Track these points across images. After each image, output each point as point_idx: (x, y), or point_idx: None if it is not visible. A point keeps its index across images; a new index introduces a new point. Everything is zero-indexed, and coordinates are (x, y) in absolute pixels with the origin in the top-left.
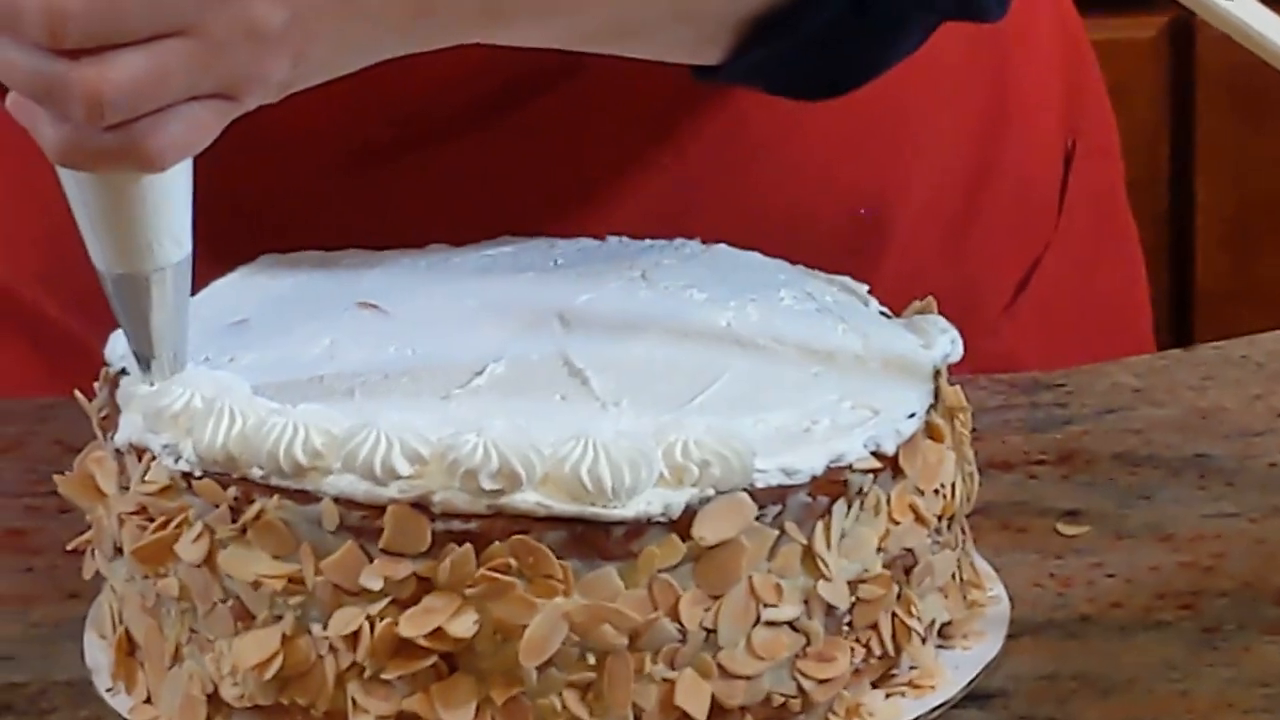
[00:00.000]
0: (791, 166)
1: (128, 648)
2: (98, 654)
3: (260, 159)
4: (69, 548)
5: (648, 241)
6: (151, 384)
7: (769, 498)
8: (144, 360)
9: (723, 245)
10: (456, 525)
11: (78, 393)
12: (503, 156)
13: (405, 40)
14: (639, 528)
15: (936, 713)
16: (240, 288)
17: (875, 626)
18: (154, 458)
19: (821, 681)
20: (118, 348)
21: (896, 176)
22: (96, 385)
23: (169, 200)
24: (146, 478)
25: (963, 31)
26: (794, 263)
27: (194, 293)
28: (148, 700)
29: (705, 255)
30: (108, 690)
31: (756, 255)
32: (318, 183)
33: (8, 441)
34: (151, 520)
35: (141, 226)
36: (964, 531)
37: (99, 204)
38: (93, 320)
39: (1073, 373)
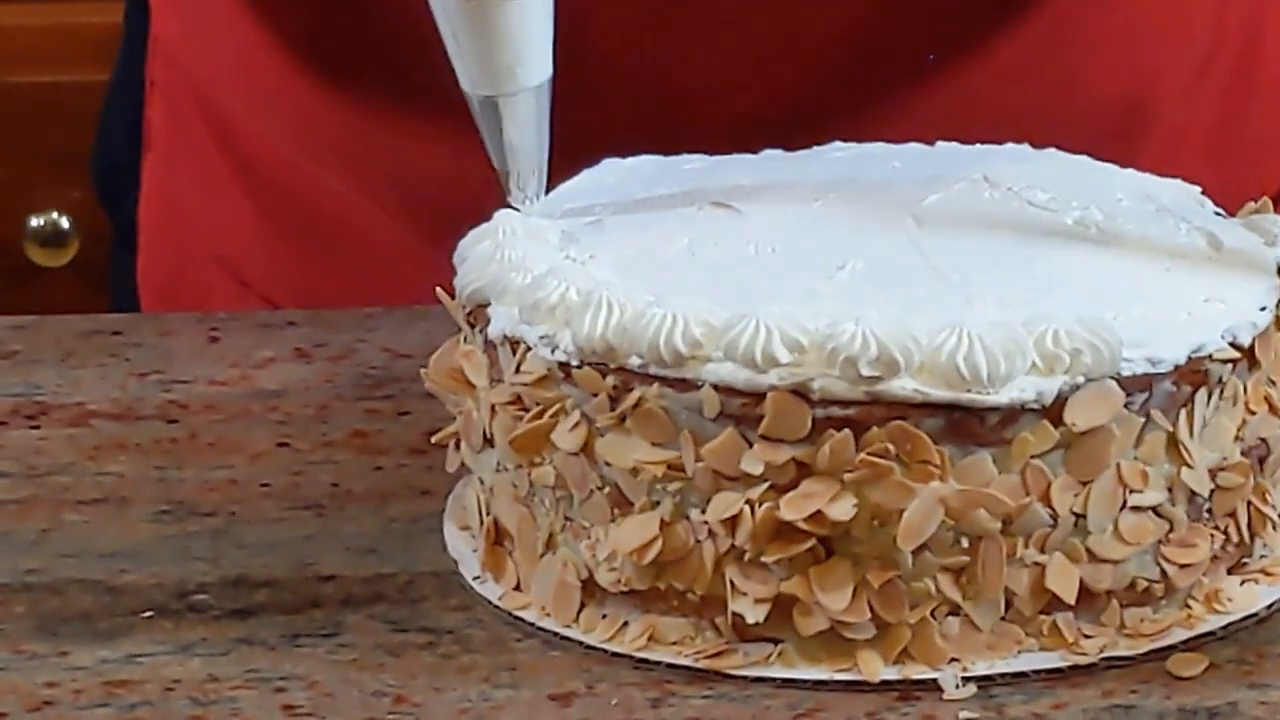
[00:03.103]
0: (1068, 57)
1: (495, 537)
2: (460, 545)
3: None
4: (434, 440)
5: (978, 146)
6: (511, 201)
7: (1135, 386)
8: (506, 177)
9: (1052, 149)
10: (835, 411)
11: (439, 290)
12: (812, 32)
13: None
14: (1013, 414)
15: None
16: (587, 190)
17: (1233, 514)
18: (529, 349)
19: (1183, 566)
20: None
21: (1160, 64)
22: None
23: (528, 26)
24: (522, 369)
25: None
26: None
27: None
28: (517, 588)
29: (1040, 158)
30: (475, 579)
31: (1086, 158)
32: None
33: (340, 350)
34: (526, 410)
35: (502, 50)
36: None
37: (463, 28)
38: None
39: None
